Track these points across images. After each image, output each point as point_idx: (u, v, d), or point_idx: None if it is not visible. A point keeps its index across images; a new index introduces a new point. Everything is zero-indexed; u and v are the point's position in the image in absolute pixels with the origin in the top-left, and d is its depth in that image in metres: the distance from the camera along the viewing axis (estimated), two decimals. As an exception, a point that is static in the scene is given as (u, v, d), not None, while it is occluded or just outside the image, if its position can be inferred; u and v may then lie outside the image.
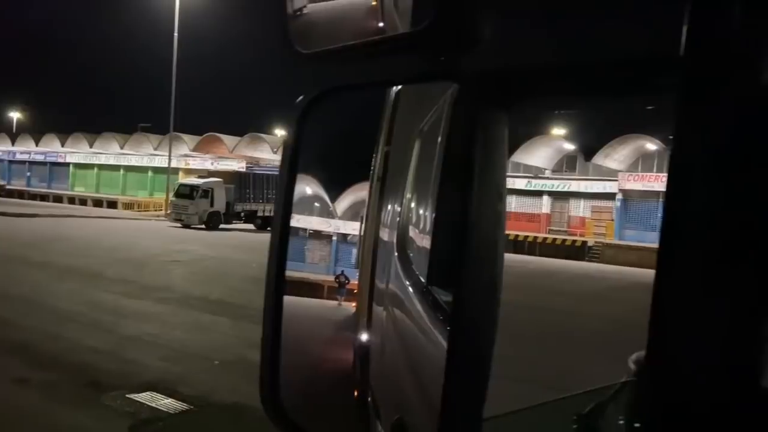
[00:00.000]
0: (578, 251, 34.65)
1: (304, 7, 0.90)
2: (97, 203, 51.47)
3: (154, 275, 16.54)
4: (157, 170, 52.39)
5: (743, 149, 0.54)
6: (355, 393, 1.17)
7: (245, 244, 25.39)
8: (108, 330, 10.22)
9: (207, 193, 35.87)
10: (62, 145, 59.75)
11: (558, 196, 40.12)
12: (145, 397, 7.17)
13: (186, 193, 35.75)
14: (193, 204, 35.26)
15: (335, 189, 1.23)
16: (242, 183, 38.86)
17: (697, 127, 0.56)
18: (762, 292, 0.55)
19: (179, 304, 12.86)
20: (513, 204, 39.49)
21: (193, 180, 37.97)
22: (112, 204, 50.58)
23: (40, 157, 60.22)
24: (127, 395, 7.19)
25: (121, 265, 17.56)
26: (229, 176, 39.67)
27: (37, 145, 61.36)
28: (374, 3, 0.83)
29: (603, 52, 0.71)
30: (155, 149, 52.58)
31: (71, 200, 53.37)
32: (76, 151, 58.31)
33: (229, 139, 49.80)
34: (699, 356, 0.57)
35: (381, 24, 0.82)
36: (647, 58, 0.65)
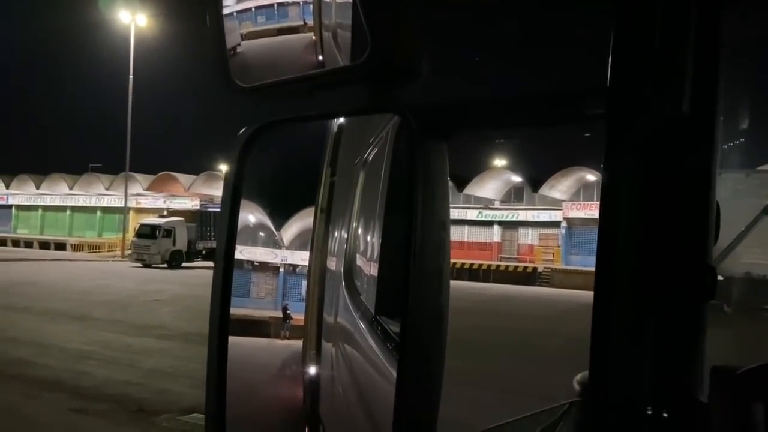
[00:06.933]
0: (529, 277, 36.66)
1: (238, 45, 0.91)
2: (44, 245, 50.31)
3: (143, 315, 17.14)
4: (106, 210, 51.96)
5: (663, 168, 0.62)
6: (306, 429, 1.17)
7: (215, 282, 25.89)
8: (128, 365, 11.03)
9: (169, 232, 36.32)
10: (7, 187, 58.33)
11: (508, 225, 42.22)
12: (195, 418, 8.13)
13: (148, 233, 36.07)
14: (155, 243, 35.62)
15: (282, 216, 1.17)
16: (203, 221, 39.35)
17: (622, 150, 0.63)
18: (690, 308, 0.63)
19: (181, 340, 13.64)
20: (466, 234, 41.42)
21: (155, 219, 38.33)
22: (60, 246, 49.57)
23: (-20, 200, 58.57)
24: (177, 417, 8.15)
25: (104, 307, 18.06)
26: (190, 215, 40.09)
27: (-20, 188, 59.63)
28: (314, 37, 0.84)
29: (536, 84, 0.74)
30: (107, 189, 52.25)
31: (15, 243, 52.02)
32: (19, 193, 57.05)
33: (184, 178, 50.08)
34: (637, 375, 0.63)
35: (320, 57, 0.84)
36: (577, 90, 0.70)
